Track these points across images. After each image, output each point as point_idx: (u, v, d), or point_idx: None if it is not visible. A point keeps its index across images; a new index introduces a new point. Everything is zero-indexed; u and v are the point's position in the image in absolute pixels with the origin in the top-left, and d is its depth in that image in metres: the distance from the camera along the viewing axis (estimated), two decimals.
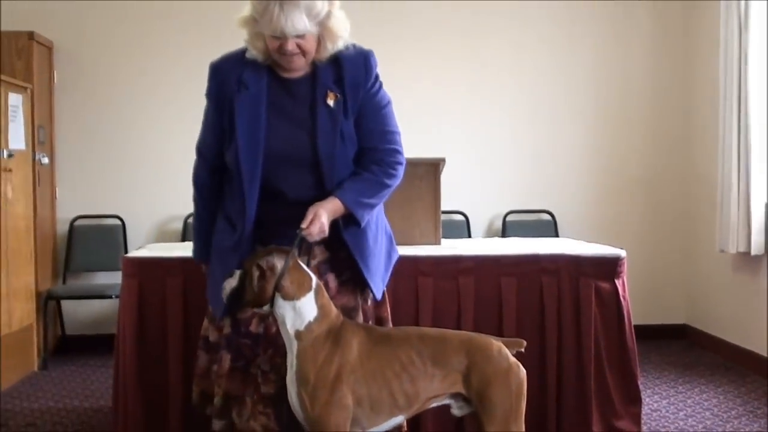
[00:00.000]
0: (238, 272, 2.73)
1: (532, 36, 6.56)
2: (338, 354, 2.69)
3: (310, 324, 2.70)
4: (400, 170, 2.98)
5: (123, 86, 6.38)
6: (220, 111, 2.92)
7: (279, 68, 2.90)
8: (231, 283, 2.73)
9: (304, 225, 2.74)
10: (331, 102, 2.88)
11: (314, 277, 2.76)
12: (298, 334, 2.70)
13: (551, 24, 6.57)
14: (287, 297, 2.69)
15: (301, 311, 2.70)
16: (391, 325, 3.18)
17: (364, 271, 2.95)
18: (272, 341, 2.86)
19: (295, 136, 2.87)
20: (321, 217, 2.77)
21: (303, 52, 2.81)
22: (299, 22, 2.73)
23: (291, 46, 2.77)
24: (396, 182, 2.98)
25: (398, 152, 2.97)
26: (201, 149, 3.04)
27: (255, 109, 2.86)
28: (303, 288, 2.71)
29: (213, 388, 3.04)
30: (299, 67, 2.88)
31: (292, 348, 2.71)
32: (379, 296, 3.03)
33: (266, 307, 2.73)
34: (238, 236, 2.88)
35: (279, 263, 2.69)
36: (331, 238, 2.87)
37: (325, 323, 2.72)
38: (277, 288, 2.68)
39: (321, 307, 2.73)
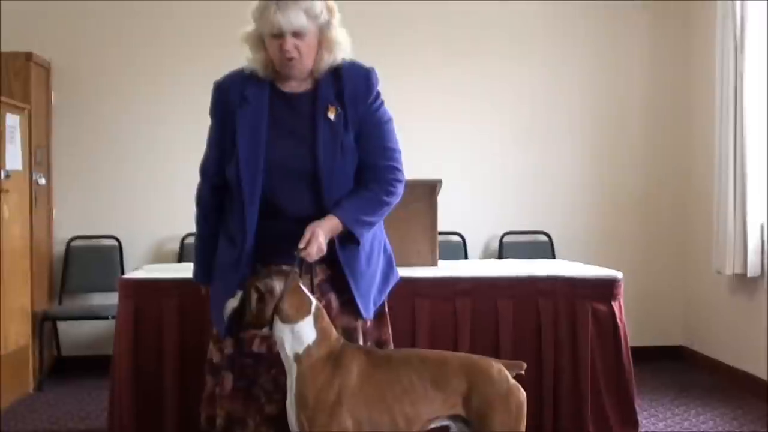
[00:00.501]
0: (239, 293, 2.73)
1: (528, 57, 6.59)
2: (338, 377, 2.67)
3: (309, 347, 2.69)
4: (400, 188, 2.98)
5: (121, 107, 6.40)
6: (223, 128, 2.94)
7: (280, 81, 2.93)
8: (232, 304, 2.73)
9: (301, 245, 2.74)
10: (331, 115, 2.89)
11: (314, 300, 2.75)
12: (297, 358, 2.68)
13: (546, 45, 6.60)
14: (285, 320, 2.68)
15: (300, 335, 2.69)
16: (392, 347, 3.17)
17: (353, 289, 2.94)
18: (276, 361, 2.83)
19: (296, 150, 2.88)
20: (318, 237, 2.77)
21: (301, 55, 2.83)
22: (296, 18, 2.79)
23: (289, 45, 2.81)
24: (395, 200, 2.98)
25: (398, 170, 2.97)
26: (204, 169, 3.06)
27: (256, 124, 2.88)
28: (302, 311, 2.70)
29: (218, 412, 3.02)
30: (299, 74, 2.90)
31: (292, 371, 2.70)
32: (366, 316, 3.00)
33: (266, 330, 2.72)
34: (238, 253, 2.88)
35: (278, 285, 2.68)
36: (333, 256, 2.88)
37: (324, 346, 2.71)
38: (276, 311, 2.68)
39: (320, 330, 2.71)
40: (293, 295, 2.69)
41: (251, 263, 2.87)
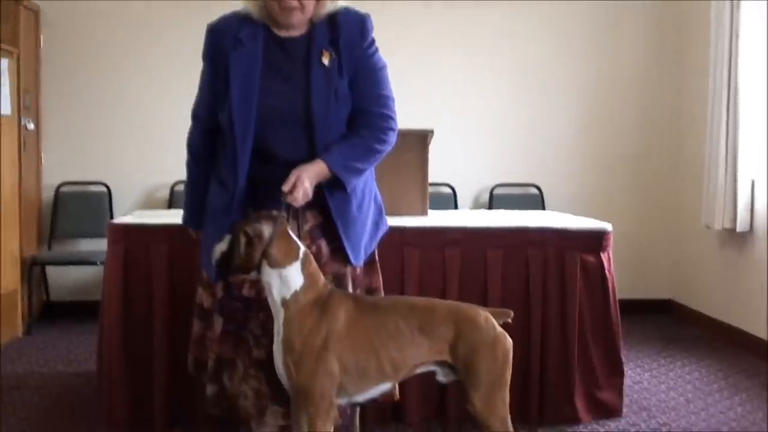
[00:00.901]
0: (228, 236, 2.72)
1: (524, 10, 6.54)
2: (325, 322, 2.68)
3: (296, 293, 2.69)
4: (392, 136, 2.95)
5: (110, 52, 6.34)
6: (216, 71, 2.90)
7: (276, 26, 2.89)
8: (221, 247, 2.73)
9: (285, 188, 2.71)
10: (326, 61, 2.86)
11: (302, 246, 2.74)
12: (285, 303, 2.69)
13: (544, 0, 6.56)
14: (273, 265, 2.68)
15: (288, 280, 2.69)
16: (383, 294, 3.18)
17: (343, 236, 2.92)
18: (264, 305, 2.83)
19: (290, 95, 2.85)
20: (304, 182, 2.74)
21: (302, 6, 2.81)
22: None
23: None
24: (387, 148, 2.95)
25: (391, 118, 2.94)
26: (195, 112, 3.03)
27: (250, 67, 2.85)
28: (289, 256, 2.69)
29: (207, 355, 3.03)
30: (298, 23, 2.86)
31: (279, 316, 2.70)
32: (355, 263, 3.00)
33: (254, 274, 2.73)
34: (229, 197, 2.86)
35: (267, 230, 2.68)
36: (324, 202, 2.87)
37: (311, 292, 2.71)
38: (264, 255, 2.68)
39: (308, 276, 2.71)
40: (281, 240, 2.69)
41: (242, 208, 2.86)
